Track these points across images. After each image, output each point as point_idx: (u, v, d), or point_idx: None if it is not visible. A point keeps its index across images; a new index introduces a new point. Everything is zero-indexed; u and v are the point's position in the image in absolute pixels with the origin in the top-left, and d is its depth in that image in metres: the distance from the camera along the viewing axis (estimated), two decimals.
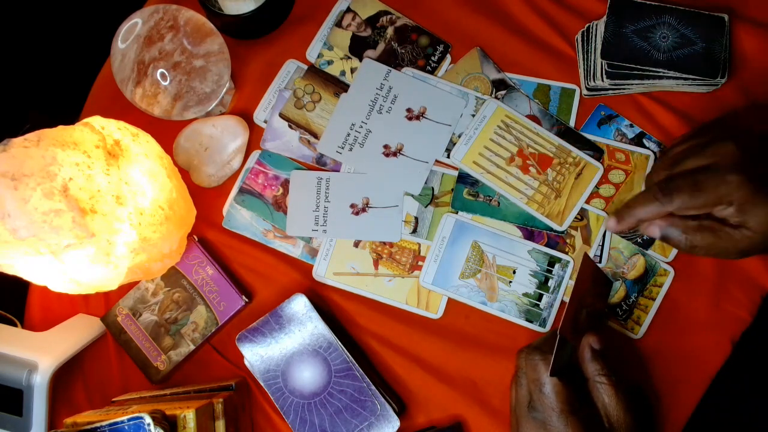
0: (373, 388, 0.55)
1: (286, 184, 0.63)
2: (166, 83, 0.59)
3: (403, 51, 0.64)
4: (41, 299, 0.64)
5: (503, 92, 0.63)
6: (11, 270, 0.48)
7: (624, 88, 0.61)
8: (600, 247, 0.59)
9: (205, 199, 0.63)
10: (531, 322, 0.59)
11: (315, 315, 0.56)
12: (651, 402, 0.57)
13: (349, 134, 0.62)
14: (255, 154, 0.64)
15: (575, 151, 0.60)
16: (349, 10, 0.66)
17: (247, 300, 0.60)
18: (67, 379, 0.62)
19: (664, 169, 0.50)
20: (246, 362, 0.57)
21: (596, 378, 0.49)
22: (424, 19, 0.65)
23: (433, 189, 0.61)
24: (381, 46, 0.65)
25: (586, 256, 0.51)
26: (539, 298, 0.59)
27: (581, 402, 0.48)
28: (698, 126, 0.54)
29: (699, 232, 0.48)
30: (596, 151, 0.61)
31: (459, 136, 0.62)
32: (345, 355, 0.55)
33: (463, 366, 0.59)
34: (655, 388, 0.57)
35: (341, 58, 0.65)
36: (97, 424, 0.49)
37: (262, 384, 0.56)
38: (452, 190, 0.61)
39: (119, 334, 0.60)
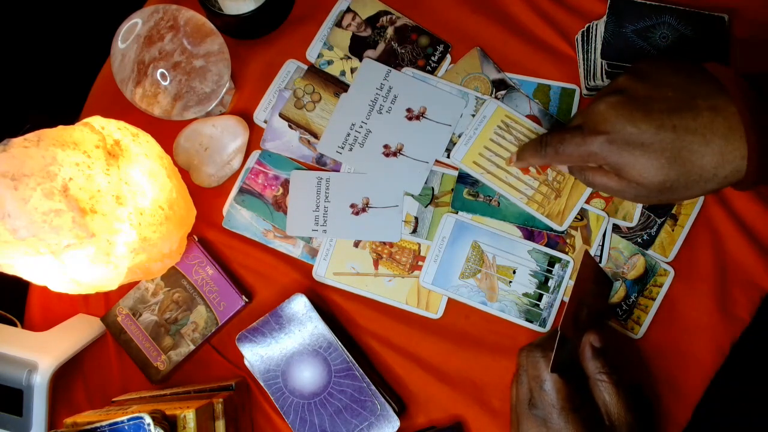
0: (373, 388, 0.55)
1: (286, 184, 0.63)
2: (166, 83, 0.59)
3: (403, 51, 0.64)
4: (41, 299, 0.64)
5: (503, 92, 0.63)
6: (11, 270, 0.48)
7: None
8: (600, 247, 0.59)
9: (205, 199, 0.63)
10: (531, 322, 0.59)
11: (315, 315, 0.56)
12: (651, 401, 0.57)
13: (349, 134, 0.62)
14: (255, 154, 0.64)
15: None
16: (349, 10, 0.66)
17: (247, 300, 0.60)
18: (67, 379, 0.62)
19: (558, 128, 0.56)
20: (246, 362, 0.57)
21: (597, 376, 0.49)
22: (424, 19, 0.65)
23: (433, 189, 0.62)
24: (381, 46, 0.65)
25: (587, 254, 0.51)
26: (539, 298, 0.59)
27: (582, 400, 0.48)
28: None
29: (593, 172, 0.52)
30: None
31: (459, 136, 0.62)
32: (345, 355, 0.55)
33: (463, 366, 0.59)
34: (655, 388, 0.57)
35: (341, 58, 0.65)
36: (97, 424, 0.49)
37: (262, 384, 0.56)
38: (452, 190, 0.61)
39: (119, 334, 0.60)
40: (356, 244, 0.61)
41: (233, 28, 0.64)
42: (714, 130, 0.44)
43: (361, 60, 0.64)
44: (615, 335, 0.58)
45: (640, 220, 0.59)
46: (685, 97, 0.46)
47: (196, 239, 0.61)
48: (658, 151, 0.46)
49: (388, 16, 0.65)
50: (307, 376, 0.55)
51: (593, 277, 0.53)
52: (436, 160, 0.62)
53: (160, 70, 0.59)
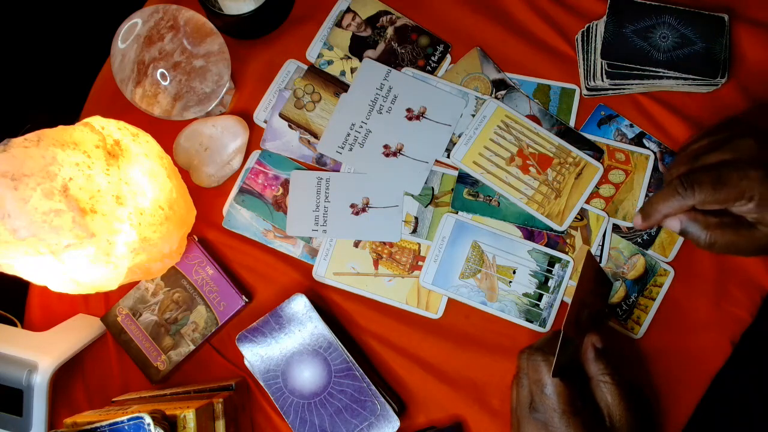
0: (373, 388, 0.55)
1: (286, 184, 0.63)
2: (166, 83, 0.59)
3: (403, 51, 0.64)
4: (41, 299, 0.64)
5: (503, 92, 0.63)
6: (11, 270, 0.48)
7: (624, 88, 0.61)
8: (600, 247, 0.59)
9: (205, 199, 0.63)
10: (531, 322, 0.59)
11: (315, 315, 0.56)
12: (651, 402, 0.57)
13: (349, 134, 0.62)
14: (255, 154, 0.64)
15: (575, 151, 0.60)
16: (349, 10, 0.66)
17: (247, 300, 0.60)
18: (67, 379, 0.62)
19: (684, 164, 0.51)
20: (246, 362, 0.57)
21: (600, 377, 0.49)
22: (424, 19, 0.65)
23: (433, 189, 0.61)
24: (381, 46, 0.65)
25: (589, 254, 0.51)
26: (539, 298, 0.59)
27: (583, 403, 0.48)
28: (713, 125, 0.54)
29: (719, 228, 0.49)
30: (596, 151, 0.61)
31: (459, 136, 0.62)
32: (345, 355, 0.55)
33: (463, 366, 0.59)
34: (655, 388, 0.57)
35: (341, 58, 0.65)
36: (97, 424, 0.49)
37: (262, 384, 0.56)
38: (452, 190, 0.61)
39: (119, 334, 0.60)
40: (356, 244, 0.61)
41: (233, 28, 0.64)
42: None
43: (361, 60, 0.64)
44: (615, 336, 0.58)
45: None
46: None
47: (196, 239, 0.61)
48: None
49: (388, 16, 0.65)
50: (307, 376, 0.55)
51: (594, 278, 0.53)
52: (436, 160, 0.62)
53: (160, 70, 0.59)
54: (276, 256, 0.62)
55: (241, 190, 0.63)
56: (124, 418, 0.48)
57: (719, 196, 0.48)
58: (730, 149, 0.49)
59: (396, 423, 0.54)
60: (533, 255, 0.59)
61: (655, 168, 0.60)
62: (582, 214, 0.60)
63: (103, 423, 0.49)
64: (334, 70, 0.65)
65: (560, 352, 0.47)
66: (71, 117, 0.60)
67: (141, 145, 0.53)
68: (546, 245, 0.60)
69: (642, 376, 0.57)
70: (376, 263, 0.61)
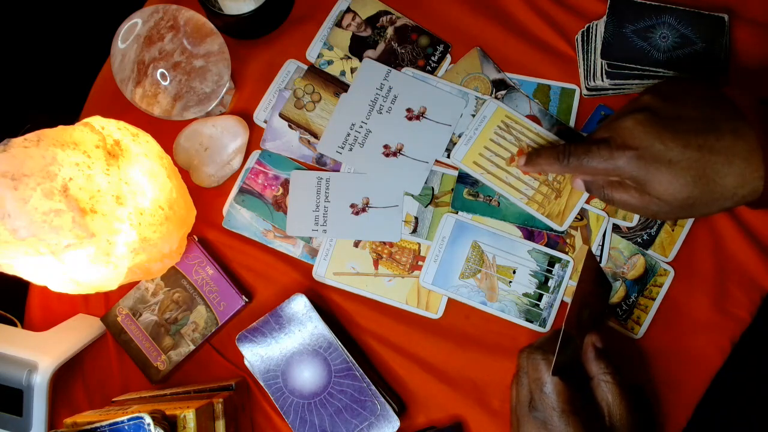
0: (373, 388, 0.55)
1: (286, 184, 0.63)
2: (166, 83, 0.59)
3: (403, 51, 0.64)
4: (41, 299, 0.64)
5: (503, 92, 0.63)
6: (11, 270, 0.48)
7: (624, 88, 0.61)
8: (600, 247, 0.59)
9: (205, 199, 0.63)
10: (531, 322, 0.59)
11: (315, 315, 0.56)
12: (651, 402, 0.57)
13: (349, 134, 0.62)
14: (255, 154, 0.64)
15: None
16: (349, 10, 0.66)
17: (247, 300, 0.60)
18: (67, 379, 0.62)
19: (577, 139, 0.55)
20: (246, 362, 0.57)
21: (601, 377, 0.49)
22: (424, 19, 0.65)
23: (433, 189, 0.62)
24: (381, 46, 0.65)
25: (590, 254, 0.52)
26: (539, 298, 0.59)
27: (582, 402, 0.48)
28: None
29: (614, 188, 0.52)
30: None
31: (459, 136, 0.62)
32: (345, 355, 0.55)
33: (463, 366, 0.59)
34: (656, 388, 0.57)
35: (341, 58, 0.65)
36: (97, 424, 0.49)
37: (262, 384, 0.56)
38: (452, 190, 0.61)
39: (119, 334, 0.60)
40: (356, 244, 0.61)
41: (233, 28, 0.64)
42: (736, 152, 0.46)
43: (361, 60, 0.64)
44: (615, 336, 0.58)
45: (640, 220, 0.59)
46: (709, 119, 0.48)
47: (196, 239, 0.61)
48: (684, 169, 0.47)
49: (388, 16, 0.65)
50: (307, 376, 0.55)
51: (594, 279, 0.53)
52: (436, 160, 0.62)
53: (160, 70, 0.59)
54: (276, 256, 0.62)
55: (241, 190, 0.63)
56: (124, 418, 0.48)
57: (587, 169, 0.51)
58: (608, 128, 0.51)
59: (396, 423, 0.54)
60: (533, 255, 0.59)
61: None
62: (582, 214, 0.60)
63: (103, 423, 0.49)
64: (334, 70, 0.65)
65: (560, 350, 0.47)
66: (71, 117, 0.60)
67: (141, 145, 0.53)
68: (546, 245, 0.60)
69: (642, 376, 0.57)
70: (376, 263, 0.61)
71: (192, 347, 0.59)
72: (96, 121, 0.52)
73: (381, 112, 0.63)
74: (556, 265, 0.59)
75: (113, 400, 0.59)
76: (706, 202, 0.48)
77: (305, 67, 0.65)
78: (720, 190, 0.47)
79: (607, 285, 0.56)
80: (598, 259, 0.59)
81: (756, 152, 0.46)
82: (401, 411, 0.57)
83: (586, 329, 0.51)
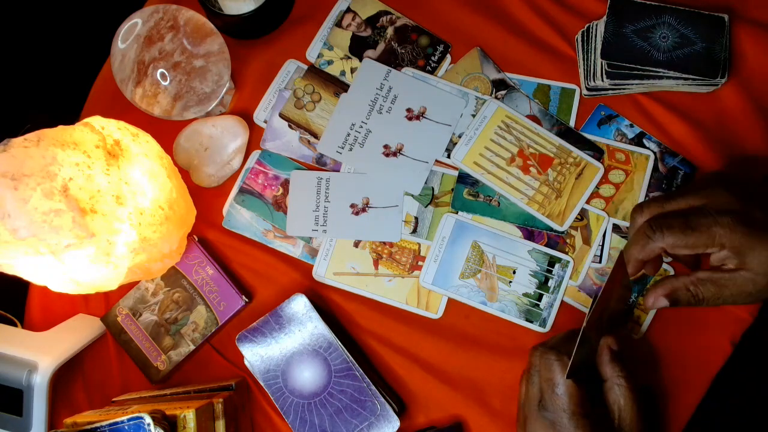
0: (373, 388, 0.55)
1: (286, 184, 0.63)
2: (166, 83, 0.59)
3: (403, 51, 0.64)
4: (41, 299, 0.64)
5: (503, 92, 0.63)
6: (11, 270, 0.48)
7: (624, 88, 0.61)
8: (600, 247, 0.59)
9: (205, 199, 0.63)
10: (531, 322, 0.59)
11: (315, 315, 0.56)
12: (657, 404, 0.57)
13: (349, 134, 0.62)
14: (255, 154, 0.64)
15: (576, 151, 0.60)
16: (349, 10, 0.66)
17: (247, 300, 0.60)
18: (67, 379, 0.62)
19: (655, 208, 0.50)
20: (246, 362, 0.57)
21: (615, 380, 0.49)
22: (424, 19, 0.65)
23: (433, 189, 0.61)
24: (381, 46, 0.65)
25: (621, 256, 0.51)
26: (539, 298, 0.59)
27: (593, 404, 0.48)
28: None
29: (700, 285, 0.49)
30: (596, 151, 0.61)
31: (459, 137, 0.62)
32: (345, 355, 0.55)
33: (463, 366, 0.59)
34: (656, 388, 0.57)
35: (341, 58, 0.65)
36: (97, 424, 0.49)
37: (262, 384, 0.56)
38: (452, 190, 0.61)
39: (119, 334, 0.60)
40: (356, 244, 0.61)
41: (233, 28, 0.64)
42: None
43: (361, 60, 0.64)
44: (629, 339, 0.58)
45: None
46: None
47: (196, 239, 0.61)
48: None
49: (388, 16, 0.65)
50: (307, 376, 0.55)
51: (621, 279, 0.53)
52: (436, 160, 0.62)
53: (160, 70, 0.59)
54: (276, 256, 0.62)
55: (241, 190, 0.63)
56: (124, 418, 0.48)
57: (689, 240, 0.47)
58: (700, 196, 0.49)
59: (396, 423, 0.54)
60: (533, 255, 0.59)
61: (655, 168, 0.60)
62: (582, 214, 0.60)
63: (103, 423, 0.49)
64: (334, 70, 0.65)
65: (577, 351, 0.47)
66: (71, 117, 0.60)
67: (141, 145, 0.53)
68: (546, 245, 0.60)
69: (648, 377, 0.57)
70: (376, 263, 0.61)
71: (192, 347, 0.59)
72: (96, 121, 0.52)
73: (381, 112, 0.63)
74: (556, 265, 0.59)
75: (113, 400, 0.59)
76: None
77: (305, 67, 0.65)
78: None
79: (629, 287, 0.56)
80: (598, 259, 0.59)
81: None
82: (401, 411, 0.57)
83: (603, 331, 0.51)
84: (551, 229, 0.60)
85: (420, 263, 0.60)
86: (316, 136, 0.63)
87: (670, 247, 0.48)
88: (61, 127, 0.49)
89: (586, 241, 0.59)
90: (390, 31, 0.65)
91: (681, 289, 0.49)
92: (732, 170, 0.59)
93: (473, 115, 0.62)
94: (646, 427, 0.48)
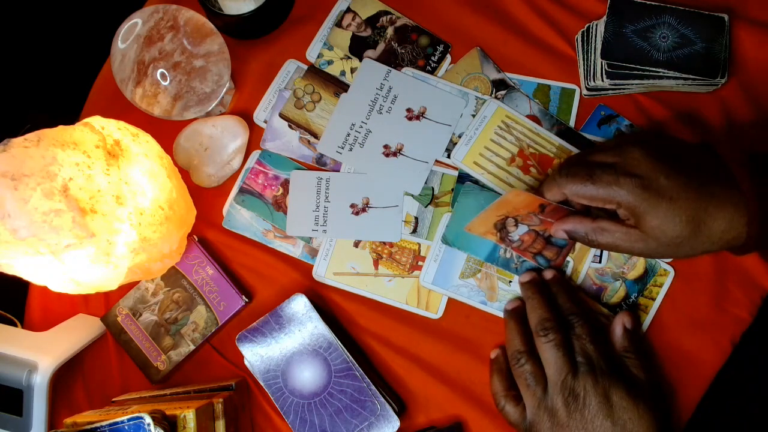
0: (373, 388, 0.55)
1: (286, 184, 0.63)
2: (166, 83, 0.59)
3: (403, 51, 0.64)
4: (41, 299, 0.64)
5: (503, 92, 0.63)
6: (11, 270, 0.48)
7: (624, 88, 0.61)
8: None
9: (205, 199, 0.63)
10: None
11: (315, 315, 0.56)
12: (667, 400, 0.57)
13: (349, 134, 0.62)
14: (255, 154, 0.64)
15: (576, 151, 0.60)
16: (349, 10, 0.66)
17: (247, 300, 0.60)
18: (67, 379, 0.62)
19: (576, 156, 0.55)
20: (246, 362, 0.57)
21: (623, 353, 0.53)
22: (424, 19, 0.65)
23: (433, 189, 0.62)
24: (381, 46, 0.65)
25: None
26: None
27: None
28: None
29: (599, 233, 0.51)
30: None
31: (459, 137, 0.62)
32: (345, 355, 0.55)
33: (464, 366, 0.59)
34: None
35: (341, 58, 0.65)
36: (97, 424, 0.49)
37: (262, 384, 0.56)
38: (452, 190, 0.61)
39: (119, 334, 0.60)
40: (356, 244, 0.61)
41: (233, 28, 0.64)
42: (727, 198, 0.47)
43: (361, 60, 0.64)
44: (643, 335, 0.58)
45: None
46: (705, 165, 0.49)
47: (196, 239, 0.61)
48: (681, 208, 0.47)
49: (388, 16, 0.65)
50: (307, 376, 0.55)
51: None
52: (436, 160, 0.62)
53: (160, 70, 0.59)
54: (276, 256, 0.62)
55: (241, 190, 0.63)
56: (124, 418, 0.48)
57: (587, 192, 0.50)
58: (615, 153, 0.51)
59: (396, 423, 0.54)
60: None
61: None
62: None
63: (103, 423, 0.49)
64: (334, 70, 0.65)
65: None
66: (71, 117, 0.60)
67: (141, 145, 0.53)
68: None
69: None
70: (376, 263, 0.61)
71: (192, 347, 0.59)
72: (96, 121, 0.52)
73: (381, 112, 0.63)
74: None
75: (113, 400, 0.59)
76: (692, 244, 0.48)
77: (305, 67, 0.65)
78: (708, 233, 0.48)
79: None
80: (598, 259, 0.59)
81: (742, 200, 0.47)
82: (401, 411, 0.57)
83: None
84: None
85: (420, 263, 0.60)
86: (316, 136, 0.63)
87: (570, 194, 0.52)
88: (61, 127, 0.49)
89: None
90: (390, 31, 0.65)
91: (581, 230, 0.53)
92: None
93: (473, 115, 0.62)
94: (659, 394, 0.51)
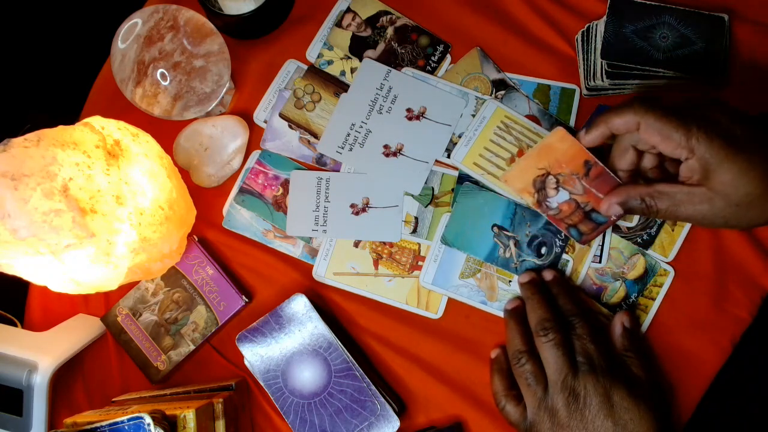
0: (373, 388, 0.55)
1: (286, 184, 0.63)
2: (166, 83, 0.59)
3: (403, 51, 0.64)
4: (41, 299, 0.64)
5: (503, 92, 0.63)
6: (11, 270, 0.48)
7: (624, 88, 0.61)
8: (600, 247, 0.59)
9: (205, 199, 0.63)
10: None
11: (315, 315, 0.56)
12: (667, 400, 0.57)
13: (349, 134, 0.62)
14: (255, 154, 0.64)
15: None
16: (349, 10, 0.66)
17: (247, 300, 0.60)
18: (67, 379, 0.62)
19: (654, 97, 0.51)
20: (246, 362, 0.57)
21: (623, 352, 0.53)
22: (424, 19, 0.65)
23: (433, 189, 0.62)
24: (381, 46, 0.65)
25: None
26: None
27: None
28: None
29: (656, 197, 0.48)
30: None
31: (459, 137, 0.62)
32: (345, 355, 0.55)
33: (464, 366, 0.59)
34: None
35: (341, 58, 0.65)
36: (97, 424, 0.49)
37: (262, 384, 0.56)
38: (452, 190, 0.61)
39: (119, 334, 0.60)
40: (356, 244, 0.61)
41: (233, 28, 0.64)
42: None
43: (361, 60, 0.64)
44: (643, 335, 0.58)
45: (640, 220, 0.59)
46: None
47: (196, 239, 0.61)
48: (758, 162, 0.45)
49: (388, 16, 0.65)
50: (307, 376, 0.55)
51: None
52: (436, 160, 0.62)
53: (160, 70, 0.59)
54: (276, 256, 0.62)
55: (241, 190, 0.63)
56: (124, 418, 0.48)
57: (665, 127, 0.46)
58: (696, 103, 0.48)
59: (396, 423, 0.54)
60: None
61: None
62: None
63: (103, 423, 0.49)
64: (334, 70, 0.65)
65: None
66: (71, 117, 0.60)
67: (141, 145, 0.53)
68: None
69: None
70: (376, 263, 0.61)
71: (192, 347, 0.59)
72: (96, 121, 0.52)
73: (381, 112, 0.63)
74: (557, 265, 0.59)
75: (113, 400, 0.59)
76: (763, 206, 0.46)
77: (305, 67, 0.65)
78: None
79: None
80: (598, 259, 0.59)
81: None
82: (401, 411, 0.57)
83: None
84: None
85: (420, 263, 0.60)
86: (316, 136, 0.63)
87: (644, 128, 0.47)
88: (61, 127, 0.49)
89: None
90: (390, 31, 0.65)
91: (635, 198, 0.49)
92: None
93: (473, 115, 0.62)
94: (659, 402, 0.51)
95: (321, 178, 0.62)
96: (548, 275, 0.57)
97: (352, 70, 0.64)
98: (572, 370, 0.50)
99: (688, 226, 0.59)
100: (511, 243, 0.59)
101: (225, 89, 0.61)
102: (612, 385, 0.49)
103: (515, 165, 0.53)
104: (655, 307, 0.58)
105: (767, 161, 0.45)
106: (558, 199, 0.55)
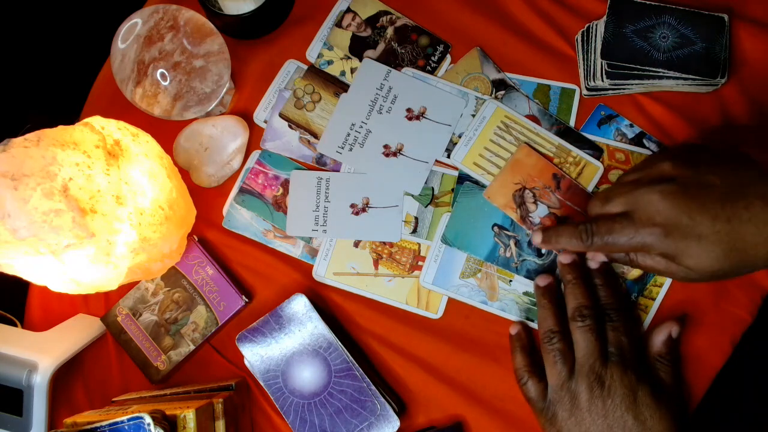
0: (373, 388, 0.55)
1: (286, 184, 0.63)
2: (166, 83, 0.59)
3: (403, 51, 0.64)
4: (41, 299, 0.64)
5: (503, 92, 0.63)
6: (11, 270, 0.48)
7: (624, 88, 0.61)
8: None
9: (205, 199, 0.63)
10: (532, 320, 0.58)
11: (315, 315, 0.56)
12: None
13: (349, 134, 0.62)
14: (255, 154, 0.64)
15: (575, 151, 0.60)
16: (349, 10, 0.66)
17: (247, 300, 0.60)
18: (67, 379, 0.62)
19: (599, 201, 0.51)
20: (246, 362, 0.57)
21: (658, 358, 0.53)
22: (424, 19, 0.65)
23: (433, 189, 0.62)
24: (381, 46, 0.65)
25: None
26: None
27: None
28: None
29: (640, 256, 0.51)
30: (596, 151, 0.61)
31: (459, 137, 0.62)
32: (345, 355, 0.55)
33: (464, 366, 0.59)
34: None
35: (341, 58, 0.65)
36: (97, 424, 0.49)
37: (262, 384, 0.56)
38: (452, 190, 0.61)
39: (119, 334, 0.60)
40: (356, 244, 0.61)
41: (233, 28, 0.64)
42: (765, 220, 0.44)
43: (361, 60, 0.64)
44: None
45: None
46: (736, 185, 0.46)
47: (196, 239, 0.61)
48: (715, 243, 0.45)
49: (388, 16, 0.65)
50: (307, 376, 0.55)
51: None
52: (436, 160, 0.62)
53: (160, 70, 0.59)
54: (276, 256, 0.62)
55: (241, 190, 0.63)
56: (124, 418, 0.48)
57: (614, 248, 0.49)
58: (632, 199, 0.48)
59: (396, 423, 0.54)
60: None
61: None
62: None
63: (103, 423, 0.49)
64: (334, 70, 0.65)
65: None
66: (71, 117, 0.60)
67: (141, 145, 0.53)
68: None
69: None
70: (376, 263, 0.61)
71: (192, 347, 0.59)
72: (96, 121, 0.52)
73: (381, 112, 0.63)
74: None
75: (113, 400, 0.59)
76: (737, 271, 0.46)
77: (305, 67, 0.65)
78: (751, 261, 0.45)
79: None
80: None
81: None
82: (401, 411, 0.57)
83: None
84: None
85: (420, 263, 0.60)
86: (316, 136, 0.63)
87: (601, 247, 0.50)
88: (61, 127, 0.49)
89: None
90: (390, 31, 0.65)
91: (622, 255, 0.52)
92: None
93: (473, 115, 0.62)
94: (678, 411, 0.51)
95: (321, 178, 0.62)
96: (593, 264, 0.55)
97: (352, 70, 0.64)
98: (602, 358, 0.50)
99: None
100: (512, 242, 0.59)
101: (225, 89, 0.61)
102: (639, 382, 0.49)
103: (494, 180, 0.56)
104: (655, 307, 0.58)
105: (727, 236, 0.45)
106: (539, 213, 0.57)
